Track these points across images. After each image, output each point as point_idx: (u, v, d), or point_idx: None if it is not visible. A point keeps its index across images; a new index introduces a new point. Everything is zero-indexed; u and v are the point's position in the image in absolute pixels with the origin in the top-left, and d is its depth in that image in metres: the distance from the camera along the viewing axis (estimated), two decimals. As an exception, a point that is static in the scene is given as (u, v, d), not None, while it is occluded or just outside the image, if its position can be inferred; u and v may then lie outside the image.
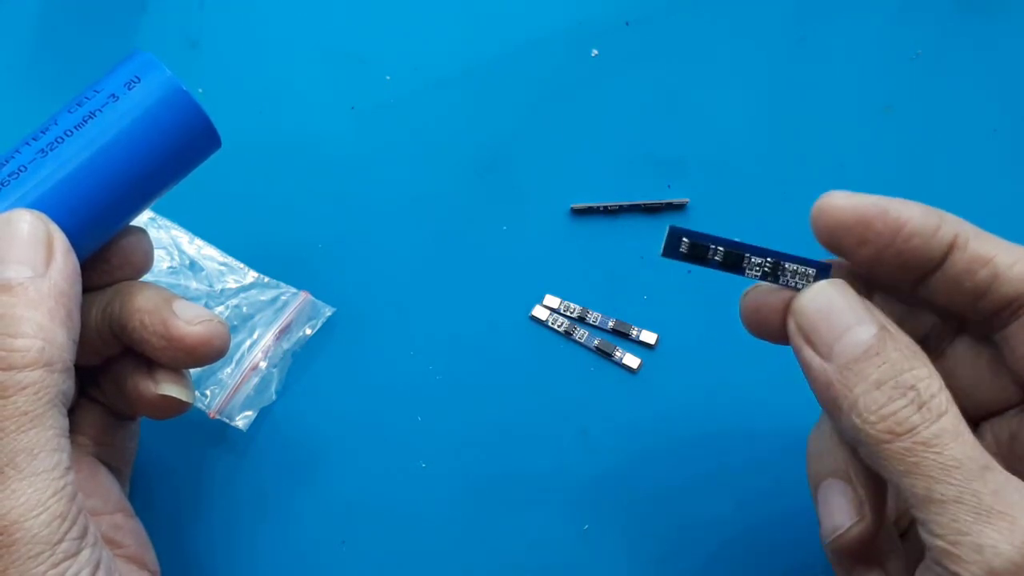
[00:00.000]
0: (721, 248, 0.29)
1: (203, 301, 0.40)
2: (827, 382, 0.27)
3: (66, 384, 0.27)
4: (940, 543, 0.25)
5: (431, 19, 0.47)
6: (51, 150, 0.29)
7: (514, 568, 0.38)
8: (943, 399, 0.26)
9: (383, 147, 0.45)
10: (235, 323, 0.40)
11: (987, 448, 0.30)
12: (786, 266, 0.29)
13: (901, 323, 0.28)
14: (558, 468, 0.39)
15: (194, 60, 0.46)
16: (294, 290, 0.41)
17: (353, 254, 0.43)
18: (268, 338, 0.40)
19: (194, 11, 0.47)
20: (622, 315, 0.42)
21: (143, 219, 0.40)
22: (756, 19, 0.47)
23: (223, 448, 0.39)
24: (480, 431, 0.40)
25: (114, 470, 0.34)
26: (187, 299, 0.31)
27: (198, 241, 0.41)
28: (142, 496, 0.38)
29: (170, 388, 0.31)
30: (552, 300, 0.42)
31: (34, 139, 0.29)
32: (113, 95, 0.30)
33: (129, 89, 0.30)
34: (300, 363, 0.41)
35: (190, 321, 0.30)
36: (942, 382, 0.26)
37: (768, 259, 0.29)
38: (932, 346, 0.31)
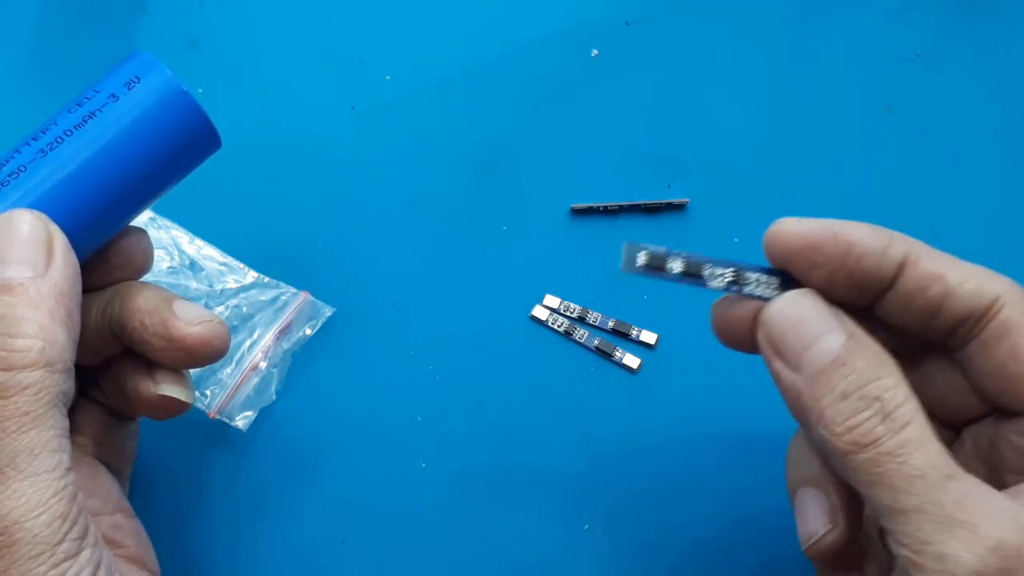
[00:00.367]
0: (680, 260, 0.29)
1: (203, 301, 0.40)
2: (796, 393, 0.27)
3: (66, 384, 0.27)
4: (905, 552, 0.25)
5: (431, 19, 0.47)
6: (51, 150, 0.29)
7: (514, 568, 0.38)
8: (908, 409, 0.26)
9: (383, 147, 0.45)
10: (235, 323, 0.40)
11: (968, 454, 0.30)
12: (748, 275, 0.29)
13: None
14: (558, 468, 0.39)
15: (194, 60, 0.46)
16: (294, 290, 0.41)
17: (353, 254, 0.43)
18: (268, 338, 0.40)
19: (194, 11, 0.47)
20: (622, 315, 0.42)
21: (143, 219, 0.40)
22: (756, 19, 0.47)
23: (223, 448, 0.39)
24: (480, 431, 0.40)
25: (114, 470, 0.34)
26: (187, 299, 0.31)
27: (198, 241, 0.41)
28: (142, 496, 0.38)
29: (170, 388, 0.31)
30: (552, 300, 0.42)
31: (34, 139, 0.29)
32: (113, 95, 0.30)
33: (129, 89, 0.30)
34: (300, 363, 0.41)
35: (190, 321, 0.30)
36: (909, 391, 0.26)
37: (729, 269, 0.29)
38: (909, 354, 0.31)
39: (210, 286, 0.41)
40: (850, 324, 0.28)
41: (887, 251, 0.28)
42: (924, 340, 0.30)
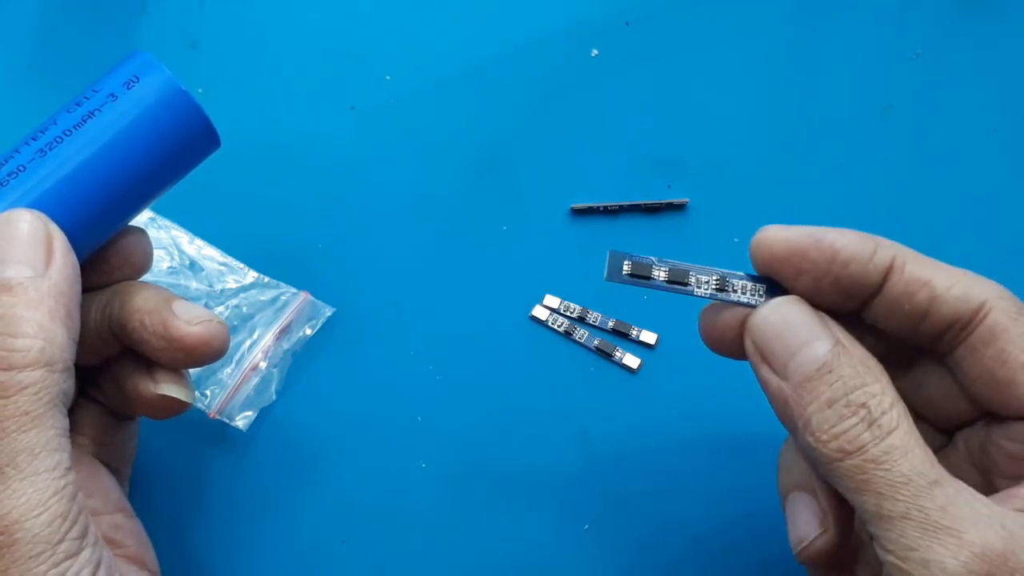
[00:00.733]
0: (665, 269, 0.29)
1: (203, 301, 0.40)
2: (783, 400, 0.27)
3: (66, 384, 0.27)
4: (891, 558, 0.25)
5: (431, 19, 0.47)
6: (50, 150, 0.29)
7: (514, 568, 0.38)
8: (894, 415, 0.26)
9: (383, 147, 0.45)
10: (235, 323, 0.40)
11: (960, 457, 0.30)
12: (734, 282, 0.29)
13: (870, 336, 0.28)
14: (558, 468, 0.39)
15: (194, 60, 0.46)
16: (294, 290, 0.41)
17: (353, 254, 0.43)
18: (268, 338, 0.40)
19: (194, 11, 0.47)
20: (622, 315, 0.42)
21: (143, 219, 0.41)
22: (756, 19, 0.47)
23: (223, 448, 0.39)
24: (480, 431, 0.40)
25: (114, 470, 0.34)
26: (187, 299, 0.31)
27: (198, 241, 0.41)
28: (142, 496, 0.38)
29: (169, 388, 0.31)
30: (552, 300, 0.42)
31: (33, 139, 0.29)
32: (112, 95, 0.30)
33: (128, 89, 0.30)
34: (300, 363, 0.41)
35: (190, 321, 0.30)
36: (895, 396, 0.27)
37: (714, 277, 0.29)
38: (900, 359, 0.31)
39: (210, 286, 0.41)
40: (836, 330, 0.28)
41: (873, 257, 0.28)
42: (914, 344, 0.30)
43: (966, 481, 0.26)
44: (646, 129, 0.45)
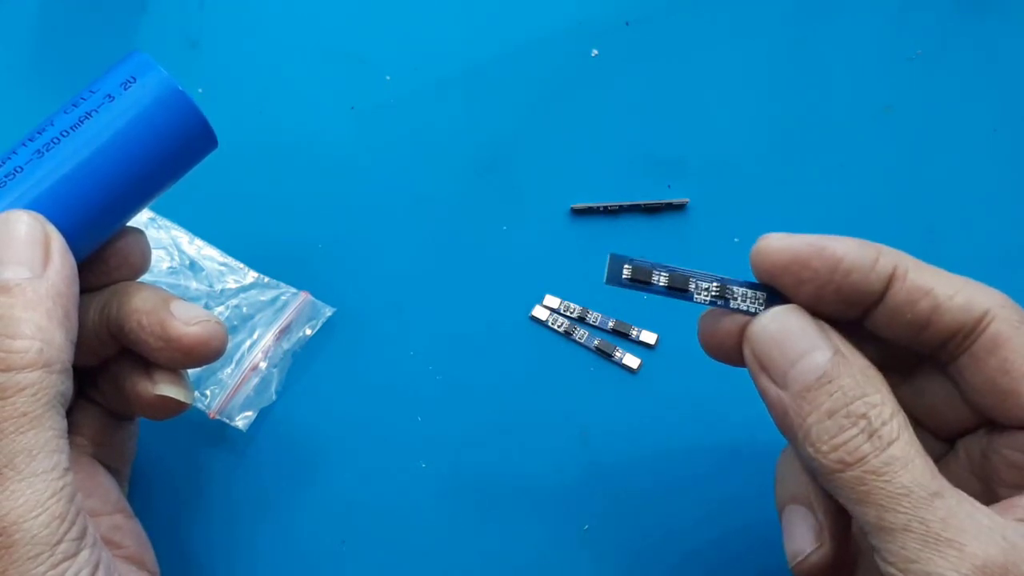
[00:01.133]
0: (665, 274, 0.29)
1: (203, 301, 0.40)
2: (782, 410, 0.27)
3: (64, 385, 0.27)
4: (891, 570, 0.25)
5: (431, 19, 0.47)
6: (47, 151, 0.29)
7: (513, 568, 0.38)
8: (895, 426, 0.26)
9: (383, 147, 0.45)
10: (235, 323, 0.40)
11: (961, 466, 0.30)
12: (735, 290, 0.29)
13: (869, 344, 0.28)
14: (558, 468, 0.39)
15: (194, 60, 0.46)
16: (294, 290, 0.41)
17: (353, 254, 0.43)
18: (268, 338, 0.40)
19: (194, 11, 0.47)
20: (622, 315, 0.41)
21: (142, 219, 0.41)
22: (756, 19, 0.47)
23: (223, 448, 0.39)
24: (480, 431, 0.40)
25: (113, 471, 0.34)
26: (187, 299, 0.31)
27: (198, 241, 0.41)
28: (142, 496, 0.38)
29: (168, 389, 0.31)
30: (552, 300, 0.42)
31: (30, 140, 0.29)
32: (109, 95, 0.30)
33: (125, 89, 0.30)
34: (300, 363, 0.41)
35: (187, 322, 0.30)
36: (896, 407, 0.26)
37: (715, 284, 0.29)
38: (901, 366, 0.31)
39: (210, 286, 0.41)
40: (837, 339, 0.28)
41: (875, 265, 0.28)
42: (916, 352, 0.30)
43: (967, 490, 0.26)
44: (646, 129, 0.45)
